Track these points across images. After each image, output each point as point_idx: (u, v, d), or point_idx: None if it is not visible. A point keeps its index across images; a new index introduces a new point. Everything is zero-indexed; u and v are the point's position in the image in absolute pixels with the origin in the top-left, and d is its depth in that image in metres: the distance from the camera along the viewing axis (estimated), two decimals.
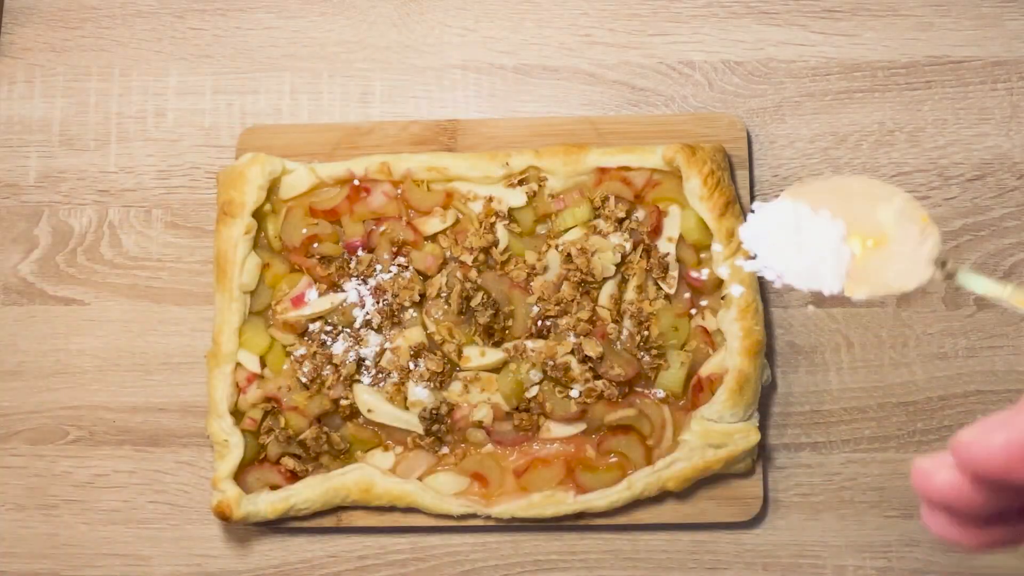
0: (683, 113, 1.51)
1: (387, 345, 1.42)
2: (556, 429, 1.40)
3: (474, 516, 1.39)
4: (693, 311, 1.41)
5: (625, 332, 1.40)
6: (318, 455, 1.41)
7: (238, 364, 1.42)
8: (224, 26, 1.59)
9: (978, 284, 0.89)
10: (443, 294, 1.41)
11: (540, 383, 1.41)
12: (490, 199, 1.43)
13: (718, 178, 1.39)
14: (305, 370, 1.41)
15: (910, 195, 0.95)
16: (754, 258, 1.01)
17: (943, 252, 0.93)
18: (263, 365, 1.43)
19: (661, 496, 1.40)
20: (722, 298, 1.40)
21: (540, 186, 1.43)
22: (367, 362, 1.42)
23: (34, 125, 1.59)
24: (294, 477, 1.41)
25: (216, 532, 1.50)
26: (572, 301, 1.41)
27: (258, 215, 1.44)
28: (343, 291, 1.43)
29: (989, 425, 0.71)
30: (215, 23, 1.59)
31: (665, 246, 1.41)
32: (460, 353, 1.41)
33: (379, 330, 1.42)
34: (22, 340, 1.54)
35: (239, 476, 1.40)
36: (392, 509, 1.42)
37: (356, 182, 1.44)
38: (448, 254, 1.43)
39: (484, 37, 1.57)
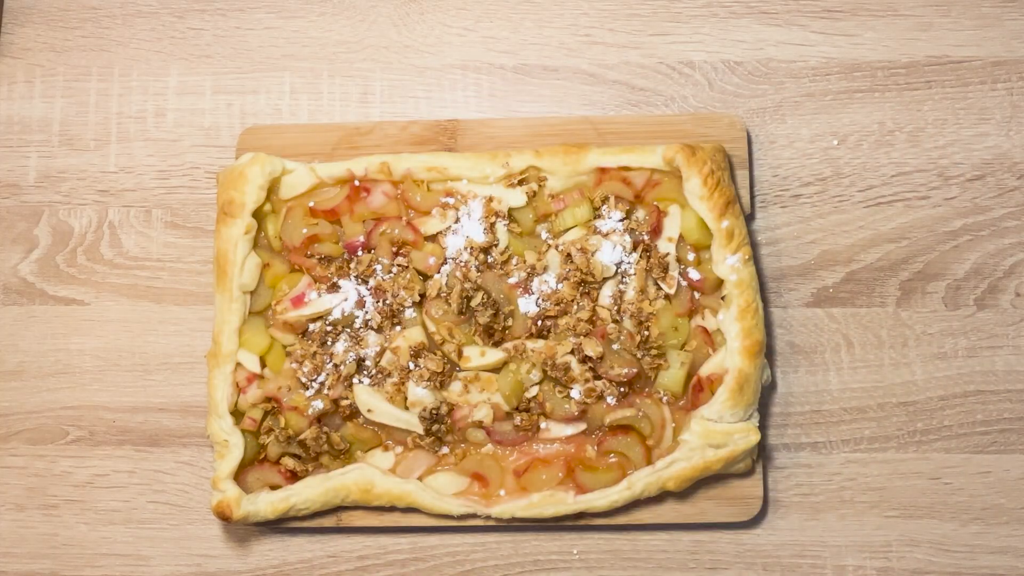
0: (683, 113, 1.51)
1: (387, 345, 1.42)
2: (556, 429, 1.40)
3: (474, 516, 1.40)
4: (693, 310, 1.41)
5: (625, 332, 1.40)
6: (318, 455, 1.41)
7: (238, 364, 1.42)
8: (224, 26, 1.59)
9: None
10: (443, 294, 1.41)
11: (540, 383, 1.41)
12: (490, 199, 1.43)
13: (718, 178, 1.39)
14: (305, 370, 1.41)
15: None
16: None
17: None
18: (263, 365, 1.43)
19: (661, 496, 1.40)
20: (722, 298, 1.40)
21: (540, 186, 1.43)
22: (367, 362, 1.42)
23: (34, 125, 1.59)
24: (294, 477, 1.41)
25: (216, 532, 1.50)
26: (572, 301, 1.41)
27: (258, 215, 1.44)
28: (343, 291, 1.43)
29: None
30: (215, 23, 1.59)
31: (665, 246, 1.41)
32: (460, 353, 1.41)
33: (379, 330, 1.42)
34: (22, 340, 1.54)
35: (239, 476, 1.40)
36: (392, 509, 1.42)
37: (356, 182, 1.44)
38: (448, 254, 1.43)
39: (484, 37, 1.57)
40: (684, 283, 1.41)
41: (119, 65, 1.59)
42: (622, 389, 1.39)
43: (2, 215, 1.57)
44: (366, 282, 1.43)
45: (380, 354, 1.42)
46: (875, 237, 1.49)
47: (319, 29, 1.58)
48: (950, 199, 1.50)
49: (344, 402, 1.41)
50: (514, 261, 1.43)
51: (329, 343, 1.42)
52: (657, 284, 1.41)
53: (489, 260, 1.43)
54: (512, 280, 1.42)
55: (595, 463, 1.39)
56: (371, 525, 1.44)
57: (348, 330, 1.43)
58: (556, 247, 1.42)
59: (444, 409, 1.40)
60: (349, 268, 1.43)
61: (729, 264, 1.38)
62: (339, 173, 1.45)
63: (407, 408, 1.40)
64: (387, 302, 1.42)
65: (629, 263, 1.41)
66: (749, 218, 1.48)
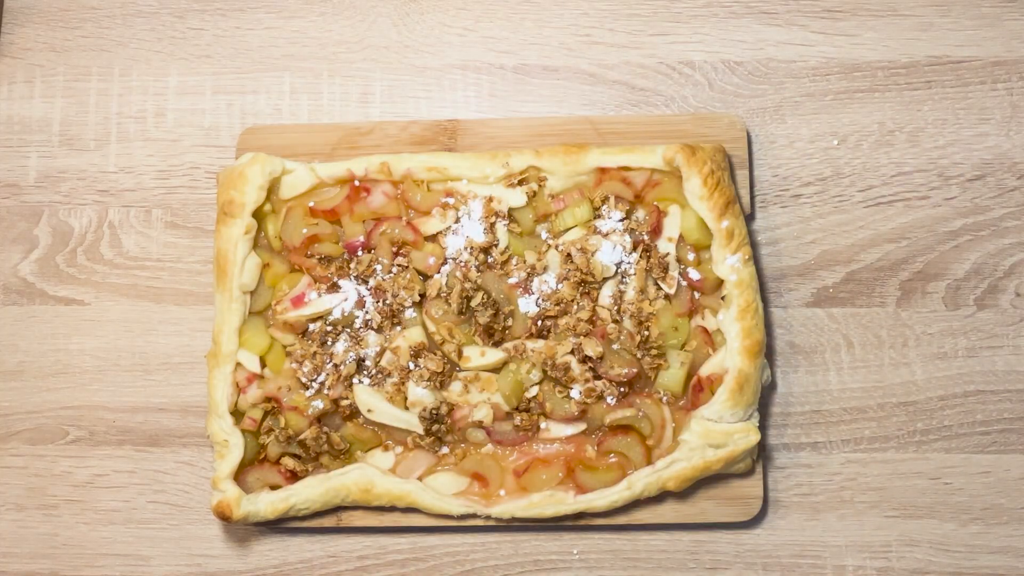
0: (683, 113, 1.52)
1: (387, 345, 1.42)
2: (556, 429, 1.40)
3: (474, 516, 1.40)
4: (693, 310, 1.41)
5: (625, 332, 1.40)
6: (318, 455, 1.41)
7: (238, 364, 1.42)
8: (224, 26, 1.59)
9: None
10: (443, 294, 1.41)
11: (540, 383, 1.41)
12: (490, 199, 1.43)
13: (718, 178, 1.39)
14: (305, 370, 1.41)
15: None
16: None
17: None
18: (263, 365, 1.43)
19: (661, 496, 1.40)
20: (722, 298, 1.40)
21: (540, 186, 1.43)
22: (367, 362, 1.42)
23: (34, 125, 1.59)
24: (294, 477, 1.41)
25: (216, 532, 1.50)
26: (572, 301, 1.41)
27: (258, 215, 1.44)
28: (343, 291, 1.43)
29: None
30: (215, 23, 1.60)
31: (665, 246, 1.41)
32: (460, 353, 1.41)
33: (379, 330, 1.42)
34: (22, 340, 1.54)
35: (239, 476, 1.40)
36: (392, 509, 1.42)
37: (356, 182, 1.45)
38: (448, 254, 1.43)
39: (484, 37, 1.57)
40: (684, 283, 1.41)
41: (119, 65, 1.59)
42: (622, 389, 1.39)
43: (2, 215, 1.57)
44: (366, 282, 1.43)
45: (380, 354, 1.42)
46: (875, 237, 1.49)
47: (319, 29, 1.58)
48: (950, 199, 1.50)
49: (344, 402, 1.41)
50: (514, 261, 1.43)
51: (329, 343, 1.42)
52: (657, 284, 1.41)
53: (489, 260, 1.43)
54: (512, 280, 1.42)
55: (595, 463, 1.40)
56: (371, 525, 1.44)
57: (348, 330, 1.43)
58: (556, 247, 1.42)
59: (444, 409, 1.40)
60: (349, 268, 1.43)
61: (729, 264, 1.38)
62: (339, 173, 1.45)
63: (407, 408, 1.40)
64: (387, 302, 1.42)
65: (629, 263, 1.41)
66: (749, 218, 1.48)
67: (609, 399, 1.39)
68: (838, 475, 1.46)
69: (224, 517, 1.37)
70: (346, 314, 1.42)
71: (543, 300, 1.41)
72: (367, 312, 1.42)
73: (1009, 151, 1.51)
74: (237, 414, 1.41)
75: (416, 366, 1.41)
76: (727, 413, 1.36)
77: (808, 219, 1.50)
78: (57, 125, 1.58)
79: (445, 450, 1.42)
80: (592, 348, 1.38)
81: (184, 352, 1.52)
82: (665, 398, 1.40)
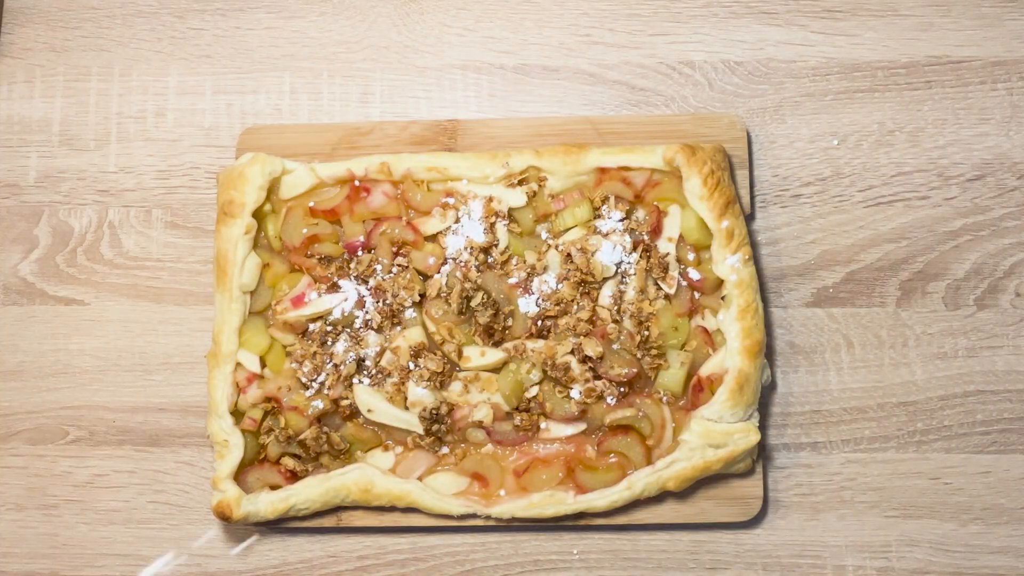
0: (683, 113, 1.52)
1: (387, 345, 1.42)
2: (556, 429, 1.40)
3: (474, 516, 1.39)
4: (693, 310, 1.41)
5: (625, 332, 1.40)
6: (318, 455, 1.41)
7: (238, 364, 1.42)
8: (224, 26, 1.59)
9: None
10: (443, 294, 1.41)
11: (540, 383, 1.41)
12: (490, 199, 1.43)
13: (718, 178, 1.39)
14: (305, 370, 1.41)
15: None
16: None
17: None
18: (263, 365, 1.43)
19: (661, 496, 1.40)
20: (722, 298, 1.40)
21: (540, 186, 1.43)
22: (367, 362, 1.42)
23: (34, 125, 1.59)
24: (294, 477, 1.41)
25: (216, 532, 1.50)
26: (572, 301, 1.41)
27: (258, 215, 1.44)
28: (343, 291, 1.43)
29: None
30: (215, 23, 1.60)
31: (665, 246, 1.41)
32: (460, 353, 1.41)
33: (379, 330, 1.42)
34: (22, 340, 1.54)
35: (239, 476, 1.40)
36: (392, 509, 1.42)
37: (356, 182, 1.45)
38: (448, 254, 1.43)
39: (484, 37, 1.57)
40: (684, 283, 1.41)
41: (119, 65, 1.59)
42: (622, 389, 1.39)
43: (2, 215, 1.57)
44: (366, 282, 1.43)
45: (380, 354, 1.42)
46: (875, 237, 1.49)
47: (319, 29, 1.58)
48: (950, 199, 1.50)
49: (344, 402, 1.41)
50: (514, 261, 1.43)
51: (329, 343, 1.42)
52: (657, 284, 1.41)
53: (489, 260, 1.43)
54: (512, 280, 1.42)
55: (595, 463, 1.39)
56: (371, 525, 1.44)
57: (348, 330, 1.43)
58: (556, 247, 1.42)
59: (444, 409, 1.40)
60: (349, 268, 1.43)
61: (729, 264, 1.38)
62: (339, 173, 1.45)
63: (407, 408, 1.40)
64: (387, 302, 1.42)
65: (629, 263, 1.41)
66: (749, 218, 1.48)
67: (609, 399, 1.39)
68: (838, 475, 1.46)
69: (224, 517, 1.37)
70: (346, 314, 1.42)
71: (543, 300, 1.41)
72: (367, 312, 1.42)
73: (1009, 151, 1.51)
74: (237, 414, 1.41)
75: (416, 366, 1.41)
76: (727, 413, 1.36)
77: (808, 219, 1.50)
78: (57, 125, 1.58)
79: (445, 450, 1.42)
80: (592, 348, 1.38)
81: (184, 352, 1.52)
82: (665, 398, 1.40)
